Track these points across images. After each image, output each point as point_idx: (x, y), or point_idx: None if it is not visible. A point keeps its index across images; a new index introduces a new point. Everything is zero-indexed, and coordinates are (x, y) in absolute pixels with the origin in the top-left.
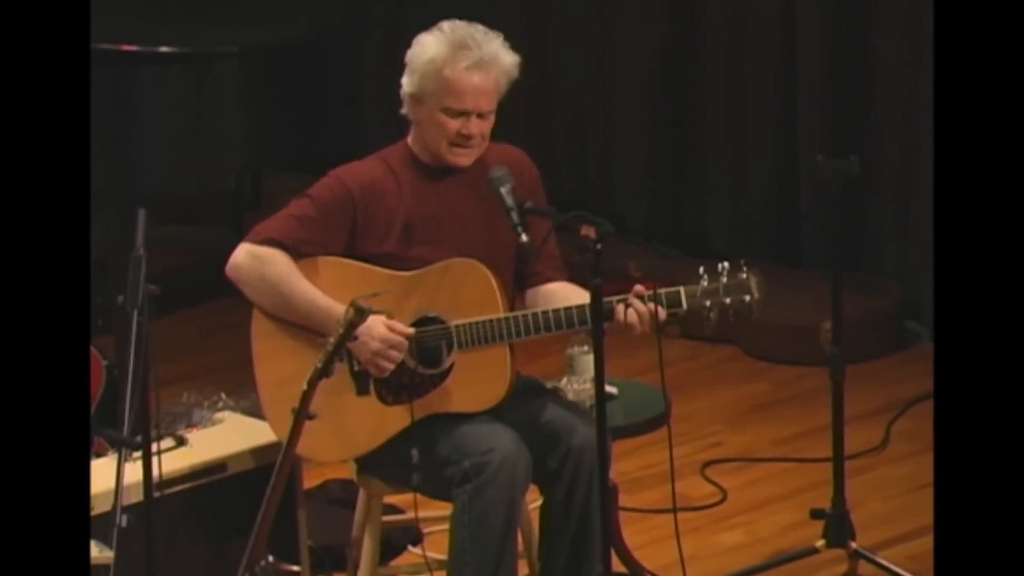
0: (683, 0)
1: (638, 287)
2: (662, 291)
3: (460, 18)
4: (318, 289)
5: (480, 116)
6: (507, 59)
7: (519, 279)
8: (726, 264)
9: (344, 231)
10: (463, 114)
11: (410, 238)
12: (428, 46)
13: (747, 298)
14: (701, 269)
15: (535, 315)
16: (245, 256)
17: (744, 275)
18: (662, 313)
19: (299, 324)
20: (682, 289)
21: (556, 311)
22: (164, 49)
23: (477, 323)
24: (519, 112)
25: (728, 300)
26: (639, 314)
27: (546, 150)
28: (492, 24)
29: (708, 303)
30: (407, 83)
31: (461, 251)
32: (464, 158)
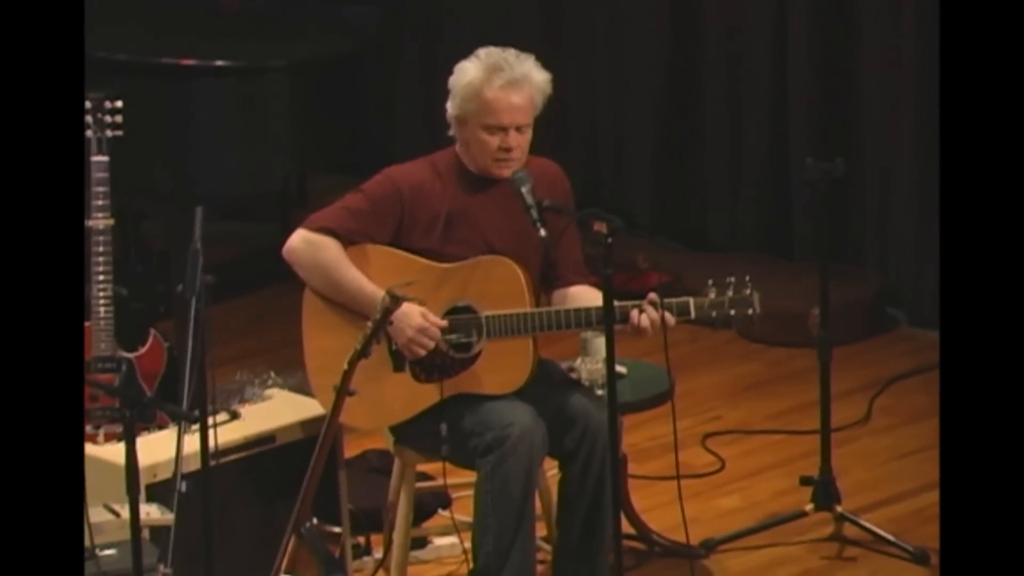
0: (685, 17)
1: (651, 295)
2: (673, 301)
3: (484, 33)
4: (365, 273)
5: (518, 130)
6: (539, 76)
7: (546, 281)
8: (733, 278)
9: (391, 225)
10: (502, 130)
11: (449, 236)
12: (466, 71)
13: (749, 311)
14: (710, 282)
15: (557, 313)
16: (300, 241)
17: (748, 291)
18: (671, 320)
19: (345, 305)
20: (691, 300)
21: (576, 311)
22: (219, 63)
23: (506, 315)
24: (537, 120)
25: (732, 312)
26: (651, 320)
27: (561, 154)
28: (511, 39)
29: (714, 314)
30: (450, 107)
31: (494, 250)
32: (507, 169)
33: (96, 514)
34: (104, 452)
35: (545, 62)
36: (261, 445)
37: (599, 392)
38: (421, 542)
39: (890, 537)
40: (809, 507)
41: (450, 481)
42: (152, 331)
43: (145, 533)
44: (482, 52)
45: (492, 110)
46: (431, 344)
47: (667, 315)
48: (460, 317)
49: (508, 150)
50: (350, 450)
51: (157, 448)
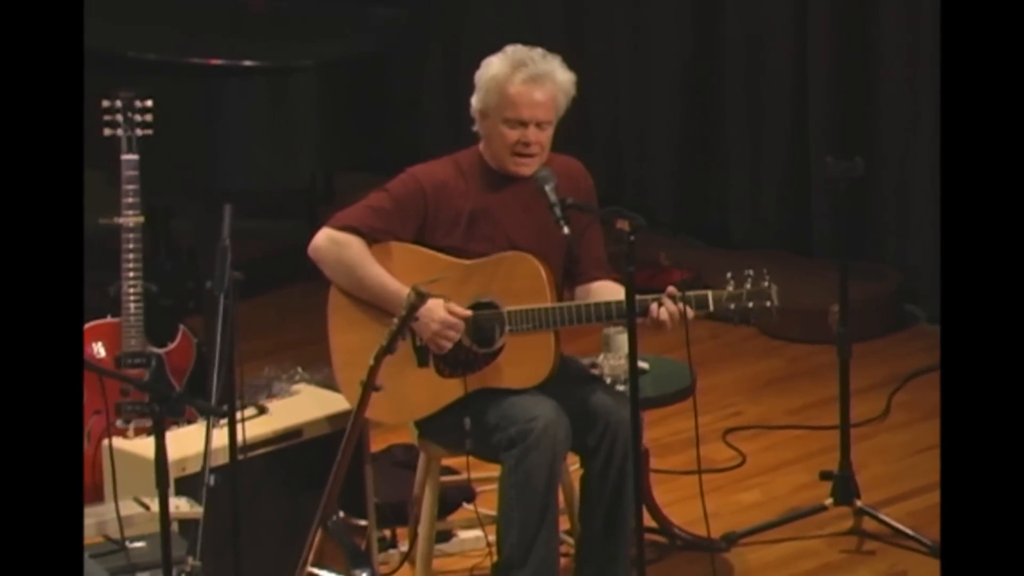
0: (706, 19)
1: (671, 288)
2: (692, 294)
3: (507, 33)
4: (389, 270)
5: (538, 127)
6: (563, 76)
7: (569, 278)
8: (751, 271)
9: (415, 223)
10: (522, 124)
11: (472, 233)
12: (492, 65)
13: (768, 304)
14: (729, 275)
15: (579, 307)
16: (325, 240)
17: (767, 284)
18: (691, 313)
19: (369, 302)
20: (709, 293)
21: (597, 305)
22: (248, 63)
23: (528, 310)
24: (562, 120)
25: (751, 305)
26: (670, 313)
27: (584, 152)
28: (535, 38)
29: (732, 307)
30: (475, 100)
31: (516, 247)
32: (525, 167)
33: (126, 507)
34: (134, 446)
35: (568, 61)
36: (288, 439)
37: (621, 388)
38: (446, 535)
39: (909, 531)
40: (829, 501)
41: (474, 475)
42: (181, 327)
43: (174, 526)
44: (509, 48)
45: (513, 104)
46: (455, 336)
47: (685, 308)
48: (484, 312)
49: (527, 145)
50: (376, 444)
51: (186, 442)
